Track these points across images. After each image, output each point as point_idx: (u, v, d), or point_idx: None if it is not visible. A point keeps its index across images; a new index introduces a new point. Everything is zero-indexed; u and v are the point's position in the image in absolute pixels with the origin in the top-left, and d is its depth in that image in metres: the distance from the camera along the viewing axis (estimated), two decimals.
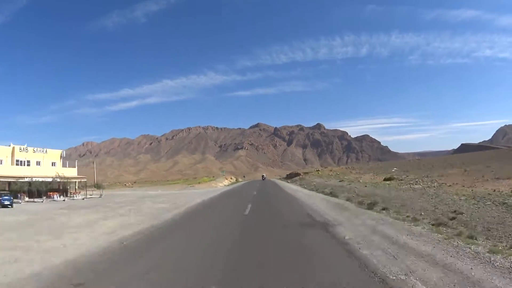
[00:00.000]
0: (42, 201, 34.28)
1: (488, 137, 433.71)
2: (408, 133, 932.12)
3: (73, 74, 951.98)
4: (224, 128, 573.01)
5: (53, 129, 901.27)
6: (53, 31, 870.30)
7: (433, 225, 9.59)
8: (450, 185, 21.24)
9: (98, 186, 50.00)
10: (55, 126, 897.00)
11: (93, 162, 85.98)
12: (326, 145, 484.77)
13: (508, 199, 12.80)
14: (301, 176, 66.41)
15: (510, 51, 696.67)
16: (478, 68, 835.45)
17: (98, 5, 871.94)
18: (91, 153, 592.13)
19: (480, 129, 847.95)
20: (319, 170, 66.83)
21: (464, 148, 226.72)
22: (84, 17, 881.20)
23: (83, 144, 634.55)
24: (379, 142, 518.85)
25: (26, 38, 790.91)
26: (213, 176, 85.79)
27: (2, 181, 36.64)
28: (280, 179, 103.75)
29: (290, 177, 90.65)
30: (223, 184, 58.52)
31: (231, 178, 68.30)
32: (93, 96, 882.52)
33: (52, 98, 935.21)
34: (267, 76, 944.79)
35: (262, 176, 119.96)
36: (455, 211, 11.45)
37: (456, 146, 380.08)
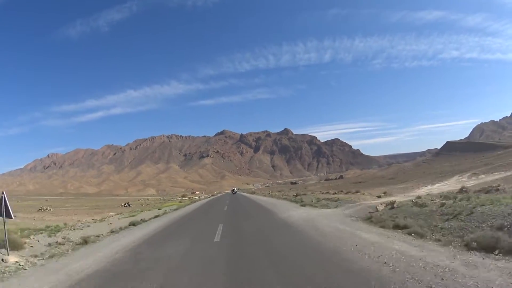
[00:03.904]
0: None
1: (463, 135, 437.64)
2: (376, 136, 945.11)
3: (40, 86, 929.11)
4: (189, 136, 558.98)
5: (21, 140, 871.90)
6: (18, 42, 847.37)
7: None
8: None
9: None
10: (22, 138, 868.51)
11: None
12: (294, 150, 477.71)
13: None
14: None
15: (478, 51, 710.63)
16: (444, 70, 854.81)
17: (61, 13, 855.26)
18: (55, 164, 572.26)
19: (449, 130, 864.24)
20: None
21: (450, 146, 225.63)
22: (48, 26, 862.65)
23: (48, 156, 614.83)
24: (350, 146, 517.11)
25: None
26: None
27: None
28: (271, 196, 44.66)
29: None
30: None
31: None
32: (59, 108, 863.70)
33: (20, 110, 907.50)
34: (230, 84, 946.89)
35: (232, 190, 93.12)
36: None
37: (430, 147, 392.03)
